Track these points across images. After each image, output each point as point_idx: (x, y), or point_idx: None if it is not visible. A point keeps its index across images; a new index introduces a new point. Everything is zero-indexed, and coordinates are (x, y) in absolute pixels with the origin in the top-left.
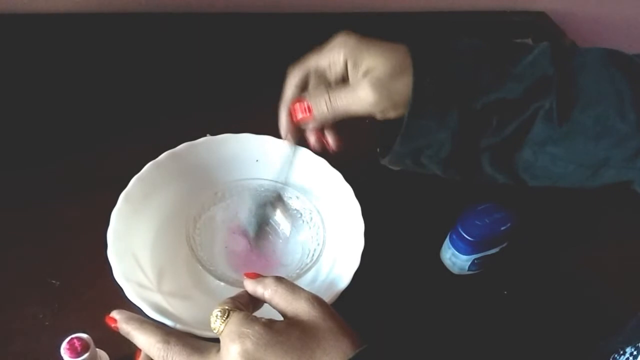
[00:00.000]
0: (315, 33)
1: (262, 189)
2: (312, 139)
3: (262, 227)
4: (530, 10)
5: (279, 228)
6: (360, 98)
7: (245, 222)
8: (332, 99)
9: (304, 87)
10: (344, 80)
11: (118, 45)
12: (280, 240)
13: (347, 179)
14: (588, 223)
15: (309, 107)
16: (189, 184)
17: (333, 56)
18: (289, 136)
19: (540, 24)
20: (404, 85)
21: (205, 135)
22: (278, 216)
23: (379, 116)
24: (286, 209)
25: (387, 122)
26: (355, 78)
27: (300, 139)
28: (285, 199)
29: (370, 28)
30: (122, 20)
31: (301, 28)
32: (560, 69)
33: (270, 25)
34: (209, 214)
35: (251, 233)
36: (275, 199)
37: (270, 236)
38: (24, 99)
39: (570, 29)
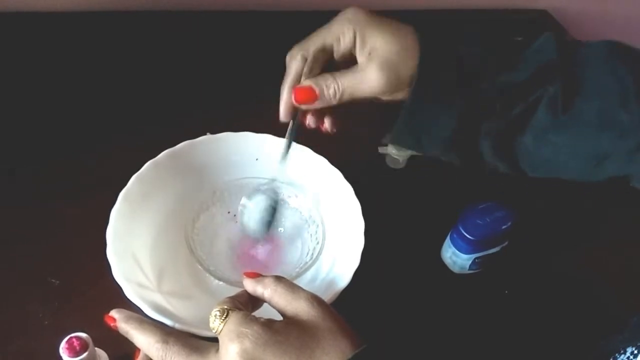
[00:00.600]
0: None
1: (264, 188)
2: (309, 117)
3: (268, 228)
4: (532, 9)
5: (281, 225)
6: (368, 79)
7: (253, 227)
8: (339, 83)
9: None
10: (350, 56)
11: (117, 43)
12: (279, 237)
13: (347, 177)
14: (589, 222)
15: (312, 90)
16: (189, 182)
17: (342, 30)
18: (288, 119)
19: (542, 22)
20: (410, 66)
21: (205, 134)
22: (280, 214)
23: (386, 98)
24: (285, 206)
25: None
26: (362, 57)
27: (299, 118)
28: (283, 196)
29: None
30: (121, 18)
31: (302, 26)
32: (564, 58)
33: (270, 24)
34: (208, 213)
35: (260, 236)
36: (274, 200)
37: (273, 234)
38: (24, 98)
39: (572, 27)
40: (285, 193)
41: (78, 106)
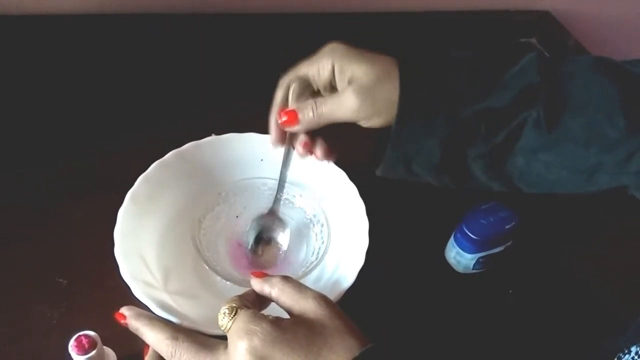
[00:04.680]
0: (320, 33)
1: (266, 188)
2: (299, 147)
3: (259, 243)
4: (534, 10)
5: (277, 242)
6: (344, 104)
7: (243, 240)
8: (317, 105)
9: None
10: (331, 87)
11: (124, 45)
12: (280, 253)
13: (352, 177)
14: (593, 222)
15: (295, 113)
16: (195, 183)
17: (322, 62)
18: (279, 144)
19: (545, 24)
20: (388, 93)
21: (210, 135)
22: (279, 235)
23: (363, 123)
24: (282, 223)
25: (380, 135)
26: (341, 85)
27: (291, 145)
28: (279, 214)
29: (373, 28)
30: (129, 20)
31: (306, 28)
32: (547, 78)
33: (275, 26)
34: (213, 213)
35: (249, 252)
36: (268, 217)
37: (270, 250)
38: (32, 99)
39: (574, 28)
40: (290, 193)
41: (85, 107)
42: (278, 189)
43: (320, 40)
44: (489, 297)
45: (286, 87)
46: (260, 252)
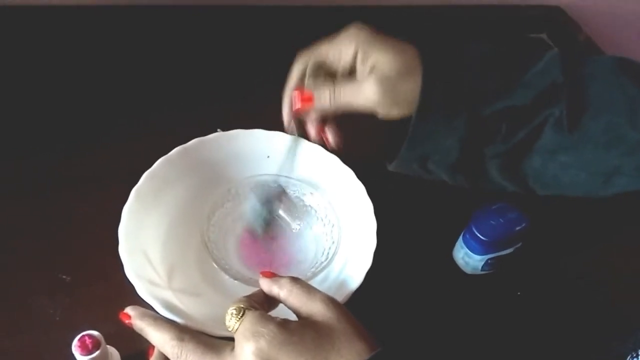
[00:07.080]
0: (329, 27)
1: (274, 185)
2: (312, 131)
3: (269, 224)
4: (544, 5)
5: (286, 223)
6: (364, 93)
7: (252, 221)
8: (336, 91)
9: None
10: (350, 72)
11: (130, 38)
12: (293, 235)
13: (359, 176)
14: (603, 225)
15: (310, 96)
16: (200, 179)
17: (344, 46)
18: (291, 126)
19: (556, 19)
20: (410, 86)
21: (216, 131)
22: (284, 211)
23: (381, 114)
24: (292, 203)
25: (393, 128)
26: (363, 72)
27: (302, 130)
28: (290, 193)
29: (382, 22)
30: (133, 13)
31: (314, 23)
32: (570, 77)
33: (282, 20)
34: (222, 210)
35: (259, 231)
36: (279, 194)
37: (279, 232)
38: (36, 92)
39: (585, 23)
40: (300, 191)
41: (90, 101)
42: (283, 170)
43: (329, 33)
44: (497, 299)
45: (303, 66)
46: (269, 232)
